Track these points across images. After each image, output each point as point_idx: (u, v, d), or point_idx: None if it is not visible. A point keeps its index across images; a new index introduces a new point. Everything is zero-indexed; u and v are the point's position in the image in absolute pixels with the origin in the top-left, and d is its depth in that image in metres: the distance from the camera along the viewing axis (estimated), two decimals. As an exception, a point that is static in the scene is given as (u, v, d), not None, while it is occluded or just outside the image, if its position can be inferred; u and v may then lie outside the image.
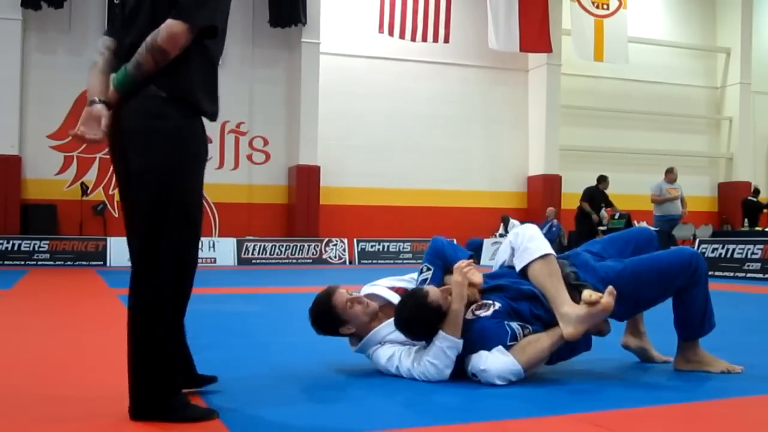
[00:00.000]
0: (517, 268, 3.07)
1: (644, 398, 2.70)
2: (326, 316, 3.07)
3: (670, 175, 12.77)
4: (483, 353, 2.83)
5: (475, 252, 7.66)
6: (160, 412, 2.27)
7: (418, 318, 2.87)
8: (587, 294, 2.82)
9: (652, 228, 13.20)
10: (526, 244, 3.04)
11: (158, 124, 2.32)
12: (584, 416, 2.41)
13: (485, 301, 2.98)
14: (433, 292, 2.91)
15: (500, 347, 2.83)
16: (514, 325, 2.89)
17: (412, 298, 2.92)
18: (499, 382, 2.78)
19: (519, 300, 2.96)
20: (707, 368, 3.12)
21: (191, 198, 2.40)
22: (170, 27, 2.27)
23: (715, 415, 2.57)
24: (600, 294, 2.82)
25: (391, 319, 3.04)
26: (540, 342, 2.87)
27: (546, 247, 3.02)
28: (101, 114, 2.32)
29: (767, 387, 2.97)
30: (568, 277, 2.99)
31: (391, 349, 3.04)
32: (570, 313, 2.84)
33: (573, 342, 2.89)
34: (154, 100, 2.33)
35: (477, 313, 2.94)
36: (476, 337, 2.88)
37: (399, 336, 3.03)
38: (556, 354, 2.94)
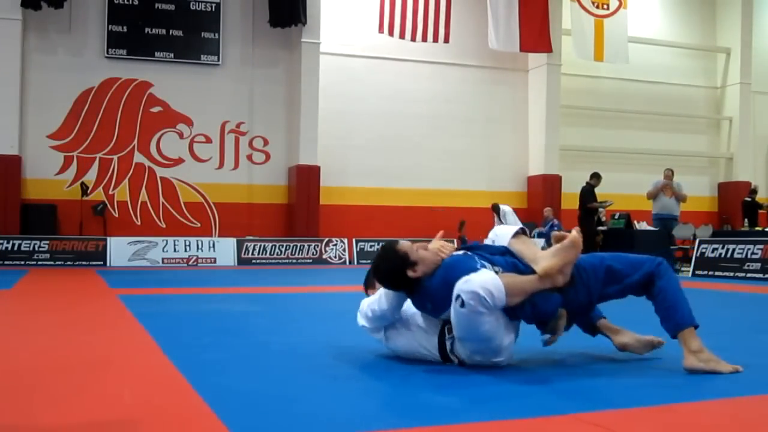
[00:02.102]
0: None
1: (644, 398, 2.69)
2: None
3: (667, 173, 13.18)
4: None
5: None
6: None
7: (385, 262, 3.11)
8: (556, 234, 3.11)
9: (650, 228, 13.33)
10: (502, 231, 3.35)
11: None
12: (584, 416, 2.41)
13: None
14: (403, 242, 3.17)
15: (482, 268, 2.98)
16: (486, 262, 3.04)
17: (385, 246, 3.20)
18: (480, 292, 2.81)
19: (494, 254, 3.15)
20: (716, 368, 3.06)
21: None
22: None
23: (715, 415, 2.57)
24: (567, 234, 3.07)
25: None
26: (519, 277, 3.01)
27: (518, 227, 3.32)
28: None
29: (767, 387, 2.97)
30: None
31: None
32: (544, 254, 3.08)
33: (550, 300, 3.00)
34: None
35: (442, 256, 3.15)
36: (445, 273, 3.00)
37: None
38: (541, 309, 3.00)
